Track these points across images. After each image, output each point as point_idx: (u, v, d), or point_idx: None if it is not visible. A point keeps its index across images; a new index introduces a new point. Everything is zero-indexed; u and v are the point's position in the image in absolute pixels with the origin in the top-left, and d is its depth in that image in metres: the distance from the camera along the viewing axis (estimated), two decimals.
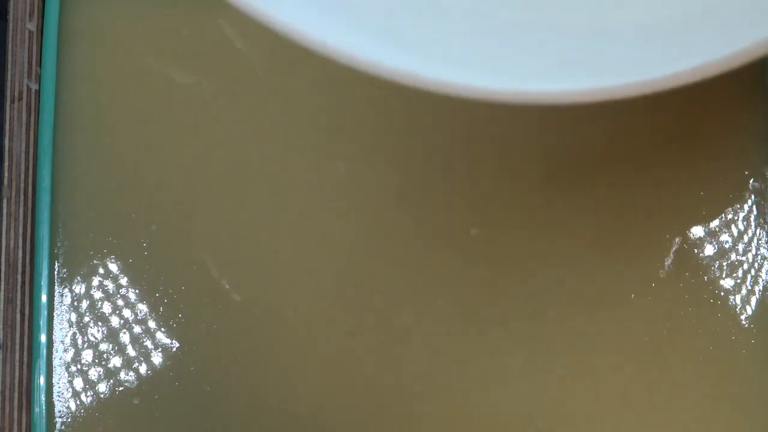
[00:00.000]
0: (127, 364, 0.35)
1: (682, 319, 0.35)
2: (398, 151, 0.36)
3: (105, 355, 0.35)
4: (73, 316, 0.35)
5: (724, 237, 0.36)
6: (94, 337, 0.35)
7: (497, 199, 0.36)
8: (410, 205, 0.36)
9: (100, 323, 0.35)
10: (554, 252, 0.36)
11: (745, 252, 0.35)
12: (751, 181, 0.36)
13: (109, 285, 0.35)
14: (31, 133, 0.35)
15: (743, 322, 0.35)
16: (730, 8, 0.21)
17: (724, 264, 0.35)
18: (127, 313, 0.35)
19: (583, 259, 0.36)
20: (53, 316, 0.35)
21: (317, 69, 0.37)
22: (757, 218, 0.36)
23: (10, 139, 0.35)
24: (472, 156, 0.36)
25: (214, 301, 0.35)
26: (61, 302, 0.35)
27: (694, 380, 0.35)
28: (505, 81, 0.19)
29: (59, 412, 0.34)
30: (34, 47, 0.36)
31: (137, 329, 0.35)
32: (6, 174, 0.35)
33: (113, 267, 0.35)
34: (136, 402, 0.35)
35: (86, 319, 0.35)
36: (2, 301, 0.34)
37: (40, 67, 0.36)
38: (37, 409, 0.34)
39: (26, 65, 0.36)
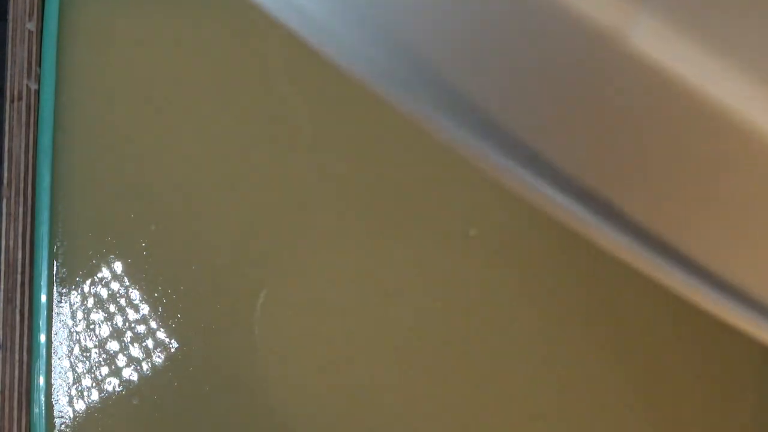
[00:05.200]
0: (127, 364, 0.35)
1: (683, 321, 0.35)
2: (398, 151, 0.36)
3: (104, 356, 0.35)
4: (73, 316, 0.35)
5: None
6: (94, 337, 0.35)
7: (497, 200, 0.36)
8: (410, 204, 0.36)
9: (99, 323, 0.35)
10: (554, 254, 0.36)
11: None
12: None
13: (109, 285, 0.35)
14: (31, 132, 0.35)
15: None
16: None
17: None
18: (126, 313, 0.35)
19: (584, 262, 0.36)
20: (53, 316, 0.35)
21: (317, 70, 0.37)
22: None
23: (10, 139, 0.35)
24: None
25: (213, 301, 0.35)
26: (61, 302, 0.35)
27: (692, 380, 0.35)
28: None
29: (58, 412, 0.34)
30: (34, 47, 0.36)
31: (137, 329, 0.35)
32: (5, 174, 0.35)
33: (113, 267, 0.35)
34: (135, 402, 0.35)
35: (86, 319, 0.35)
36: (2, 301, 0.34)
37: (40, 66, 0.36)
38: (36, 410, 0.34)
39: (26, 65, 0.36)
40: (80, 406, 0.34)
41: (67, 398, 0.34)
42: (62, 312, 0.35)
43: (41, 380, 0.34)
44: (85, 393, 0.34)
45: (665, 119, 0.12)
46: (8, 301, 0.34)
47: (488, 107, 0.13)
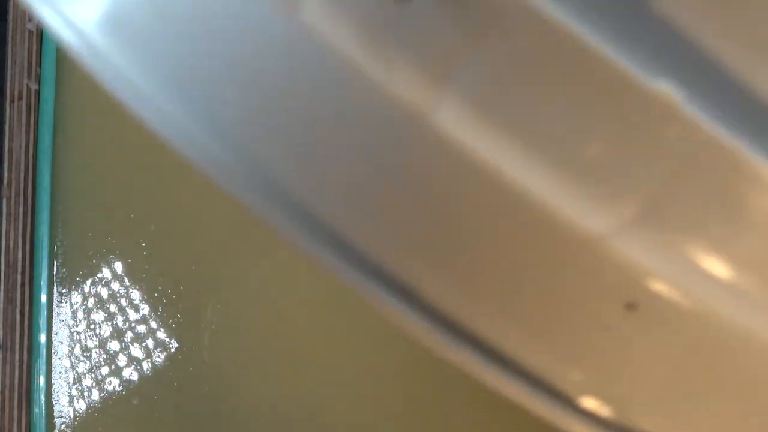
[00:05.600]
0: (127, 364, 0.35)
1: None
2: None
3: (104, 355, 0.35)
4: (73, 316, 0.35)
5: None
6: (94, 337, 0.35)
7: None
8: None
9: (99, 323, 0.35)
10: None
11: None
12: None
13: (109, 285, 0.35)
14: (31, 132, 0.35)
15: None
16: None
17: None
18: (126, 313, 0.35)
19: None
20: (53, 316, 0.35)
21: None
22: None
23: (10, 139, 0.35)
24: None
25: (213, 300, 0.35)
26: (61, 302, 0.35)
27: None
28: None
29: (59, 412, 0.34)
30: (34, 47, 0.36)
31: (137, 329, 0.35)
32: (6, 174, 0.35)
33: (113, 267, 0.35)
34: (135, 402, 0.35)
35: (86, 319, 0.35)
36: (2, 300, 0.34)
37: (40, 66, 0.36)
38: (36, 409, 0.34)
39: (26, 65, 0.36)
40: (80, 406, 0.34)
41: (67, 398, 0.34)
42: (62, 312, 0.35)
43: (41, 380, 0.34)
44: (85, 393, 0.34)
45: (465, 200, 0.12)
46: (8, 300, 0.34)
47: (287, 178, 0.13)
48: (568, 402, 0.14)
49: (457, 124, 0.12)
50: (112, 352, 0.35)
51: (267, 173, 0.13)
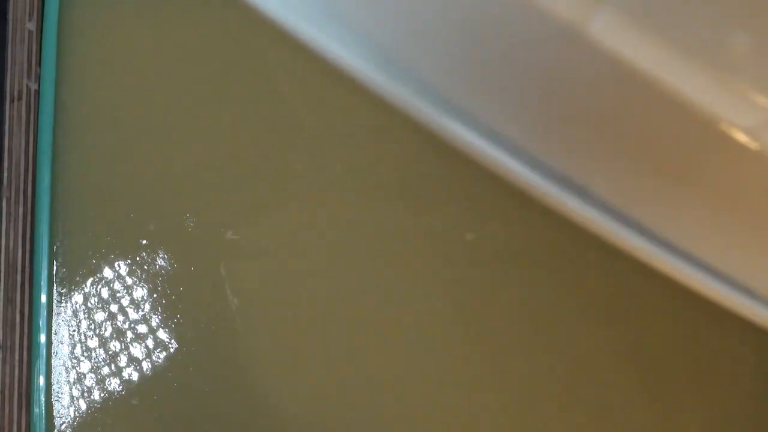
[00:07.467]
0: (127, 364, 0.35)
1: (682, 322, 0.35)
2: (395, 152, 0.36)
3: (104, 356, 0.35)
4: (73, 316, 0.35)
5: None
6: (94, 337, 0.35)
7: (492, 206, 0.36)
8: (408, 207, 0.36)
9: (99, 323, 0.35)
10: (551, 254, 0.35)
11: None
12: None
13: (109, 285, 0.35)
14: (31, 132, 0.35)
15: None
16: None
17: None
18: (126, 313, 0.35)
19: (584, 261, 0.35)
20: (53, 316, 0.35)
21: (317, 72, 0.37)
22: None
23: (10, 139, 0.35)
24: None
25: (213, 301, 0.35)
26: (61, 302, 0.35)
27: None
28: None
29: (58, 412, 0.34)
30: (34, 47, 0.36)
31: (137, 329, 0.35)
32: (5, 174, 0.35)
33: (112, 267, 0.35)
34: (135, 402, 0.35)
35: (85, 319, 0.35)
36: (2, 300, 0.34)
37: (40, 66, 0.36)
38: (36, 410, 0.34)
39: (26, 65, 0.36)
40: (80, 406, 0.34)
41: (67, 398, 0.34)
42: (62, 312, 0.35)
43: (41, 380, 0.34)
44: (85, 393, 0.34)
45: (622, 104, 0.13)
46: (8, 301, 0.34)
47: (459, 98, 0.14)
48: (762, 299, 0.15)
49: (611, 35, 0.13)
50: (112, 352, 0.35)
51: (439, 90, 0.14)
